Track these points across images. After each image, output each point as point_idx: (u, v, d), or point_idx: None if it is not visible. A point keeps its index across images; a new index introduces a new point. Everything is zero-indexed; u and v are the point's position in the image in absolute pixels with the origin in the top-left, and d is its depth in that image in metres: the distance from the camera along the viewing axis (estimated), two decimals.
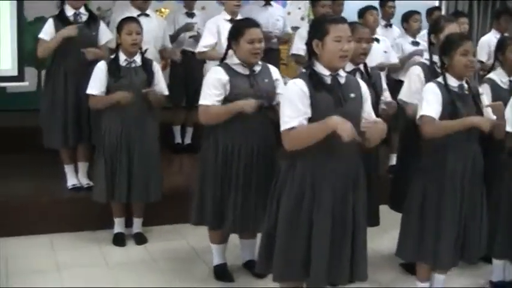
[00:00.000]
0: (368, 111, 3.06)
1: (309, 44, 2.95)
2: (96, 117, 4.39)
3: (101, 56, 4.49)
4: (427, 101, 3.34)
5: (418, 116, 3.36)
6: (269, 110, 3.56)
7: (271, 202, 3.05)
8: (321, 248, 2.90)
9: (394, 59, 5.83)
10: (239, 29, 3.54)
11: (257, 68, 3.57)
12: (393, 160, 5.67)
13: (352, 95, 2.95)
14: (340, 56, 2.85)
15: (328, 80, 2.90)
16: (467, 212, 3.41)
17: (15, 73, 5.15)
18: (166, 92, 4.39)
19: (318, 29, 2.91)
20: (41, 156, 5.01)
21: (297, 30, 6.33)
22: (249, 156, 3.53)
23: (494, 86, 3.94)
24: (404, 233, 3.58)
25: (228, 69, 3.51)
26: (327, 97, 2.86)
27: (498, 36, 6.40)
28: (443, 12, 7.72)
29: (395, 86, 4.84)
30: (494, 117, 3.48)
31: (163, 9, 6.72)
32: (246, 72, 3.53)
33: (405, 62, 5.83)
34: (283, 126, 2.86)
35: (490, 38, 6.40)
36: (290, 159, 2.95)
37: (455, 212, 3.37)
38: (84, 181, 4.86)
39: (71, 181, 4.85)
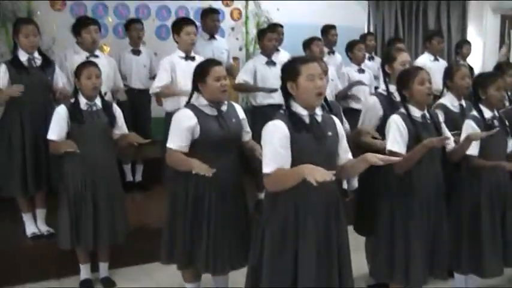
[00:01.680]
0: (344, 147, 3.17)
1: (283, 86, 3.04)
2: (56, 162, 4.31)
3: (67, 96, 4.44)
4: (393, 135, 3.49)
5: (387, 148, 3.51)
6: (241, 148, 3.64)
7: (255, 236, 3.12)
8: (308, 276, 2.97)
9: (339, 88, 6.05)
10: (204, 68, 3.59)
11: (224, 108, 3.62)
12: (355, 183, 5.82)
13: (330, 133, 3.06)
14: (316, 93, 2.96)
15: (307, 120, 2.99)
16: (434, 230, 3.58)
17: None
18: (127, 132, 4.37)
19: (290, 71, 3.01)
20: None
21: (237, 61, 6.52)
22: (219, 193, 3.55)
23: (446, 110, 4.16)
24: (376, 254, 3.71)
25: (196, 111, 3.53)
26: (307, 137, 2.95)
27: (432, 58, 6.80)
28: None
29: (348, 113, 5.01)
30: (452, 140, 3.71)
31: (104, 47, 6.67)
32: (214, 113, 3.56)
33: (348, 90, 6.06)
34: (264, 169, 2.93)
35: (425, 61, 6.75)
36: (271, 195, 3.03)
37: (423, 232, 3.53)
38: (44, 228, 4.75)
39: (30, 229, 4.73)
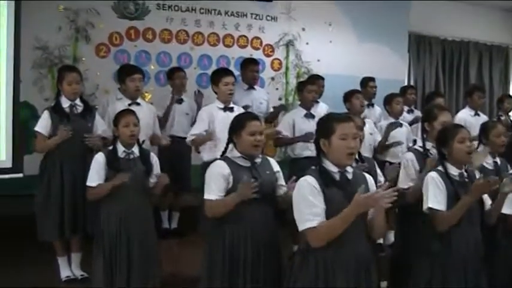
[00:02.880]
0: None
1: (316, 142, 3.06)
2: (93, 207, 4.35)
3: (99, 144, 4.53)
4: (433, 192, 3.47)
5: (425, 207, 3.48)
6: (276, 201, 3.63)
7: None
8: None
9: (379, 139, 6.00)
10: (240, 122, 3.60)
11: (258, 160, 3.62)
12: (390, 237, 5.76)
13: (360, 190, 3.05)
14: (348, 153, 2.96)
15: (337, 177, 2.99)
16: None
17: (9, 165, 5.13)
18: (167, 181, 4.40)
19: (324, 128, 3.02)
20: (27, 244, 4.93)
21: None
22: (255, 246, 3.51)
23: (481, 168, 4.10)
24: None
25: (230, 162, 3.53)
26: (338, 193, 2.93)
27: (472, 113, 6.73)
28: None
29: (383, 167, 4.98)
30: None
31: (145, 93, 6.79)
32: (247, 164, 3.56)
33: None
34: (305, 225, 2.90)
35: (466, 115, 6.70)
36: (302, 252, 3.01)
37: None
38: (78, 272, 4.79)
39: (65, 273, 4.77)
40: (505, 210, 3.69)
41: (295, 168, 5.42)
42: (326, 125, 3.02)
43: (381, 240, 5.75)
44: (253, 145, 3.54)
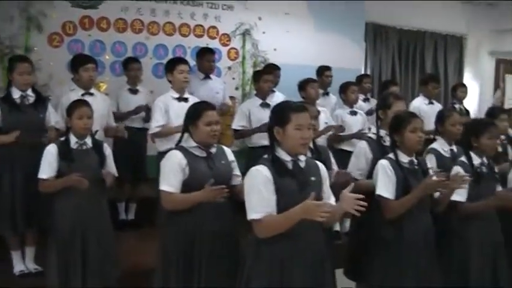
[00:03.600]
0: (327, 192, 3.16)
1: (270, 130, 3.05)
2: (47, 201, 4.27)
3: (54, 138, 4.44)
4: (382, 180, 3.53)
5: (376, 193, 3.53)
6: (230, 191, 3.62)
7: (240, 279, 3.08)
8: None
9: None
10: (196, 111, 3.58)
11: (213, 150, 3.61)
12: (336, 226, 5.81)
13: (313, 178, 3.05)
14: (301, 143, 2.96)
15: (290, 165, 2.99)
16: (425, 277, 3.56)
17: None
18: (116, 174, 4.35)
19: (279, 117, 3.01)
20: None
21: (234, 100, 6.56)
22: (210, 236, 3.50)
23: (438, 155, 4.18)
24: None
25: (186, 152, 3.52)
26: (290, 182, 2.94)
27: (427, 101, 6.84)
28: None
29: (339, 155, 5.03)
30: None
31: (101, 83, 6.70)
32: (203, 154, 3.55)
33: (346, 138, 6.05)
34: (251, 216, 2.91)
35: (420, 104, 6.80)
36: (257, 242, 2.99)
37: (414, 280, 3.52)
38: (32, 266, 4.70)
39: (18, 267, 4.68)
40: (455, 197, 3.76)
41: (252, 157, 5.43)
42: (281, 114, 3.01)
43: (337, 228, 5.82)
44: (210, 135, 3.53)
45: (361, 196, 2.84)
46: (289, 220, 2.84)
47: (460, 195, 3.76)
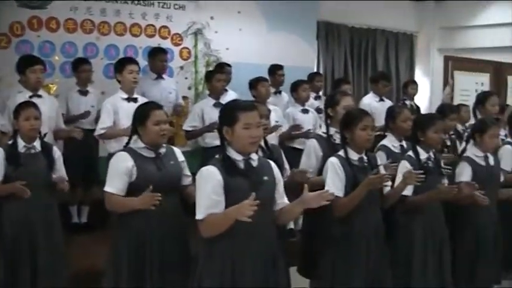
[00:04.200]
0: (281, 192, 3.16)
1: (219, 130, 3.04)
2: None
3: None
4: (331, 177, 3.56)
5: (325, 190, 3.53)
6: (181, 191, 3.61)
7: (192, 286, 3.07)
8: None
9: (285, 129, 6.05)
10: (144, 111, 3.56)
11: (162, 151, 3.59)
12: (291, 224, 5.85)
13: (266, 178, 3.05)
14: (251, 142, 2.95)
15: (241, 165, 2.98)
16: (375, 273, 3.62)
17: None
18: (66, 177, 4.28)
19: (227, 116, 3.00)
20: None
21: (187, 100, 6.53)
22: (161, 237, 3.49)
23: (388, 152, 4.25)
24: None
25: (134, 153, 3.49)
26: (242, 182, 2.93)
27: (377, 99, 6.93)
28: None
29: (291, 153, 5.06)
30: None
31: (50, 85, 6.59)
32: (152, 155, 3.53)
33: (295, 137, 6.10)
34: (197, 216, 2.91)
35: (371, 101, 6.89)
36: (208, 242, 2.98)
37: (364, 275, 3.57)
38: None
39: None
40: (404, 192, 3.81)
41: (206, 157, 5.40)
42: (229, 114, 3.00)
43: (292, 225, 5.85)
44: (159, 134, 3.51)
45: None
46: (227, 220, 2.82)
47: (406, 190, 3.82)
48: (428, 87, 10.63)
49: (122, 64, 5.18)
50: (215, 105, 5.71)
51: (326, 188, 3.52)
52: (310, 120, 6.25)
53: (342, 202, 3.54)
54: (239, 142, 2.96)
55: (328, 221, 3.63)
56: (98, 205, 5.86)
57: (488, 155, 4.38)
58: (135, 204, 3.35)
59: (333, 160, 3.61)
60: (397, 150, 4.31)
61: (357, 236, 3.58)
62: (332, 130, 4.02)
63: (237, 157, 2.99)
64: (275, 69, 7.04)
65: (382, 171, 3.78)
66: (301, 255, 4.24)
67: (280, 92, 7.02)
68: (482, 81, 9.00)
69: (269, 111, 4.30)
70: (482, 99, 5.53)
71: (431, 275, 3.91)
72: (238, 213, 2.71)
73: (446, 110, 5.26)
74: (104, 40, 7.13)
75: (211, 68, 7.15)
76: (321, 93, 7.36)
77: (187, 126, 5.87)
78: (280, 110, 6.18)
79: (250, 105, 3.06)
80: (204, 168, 2.97)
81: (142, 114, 3.55)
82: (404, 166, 3.89)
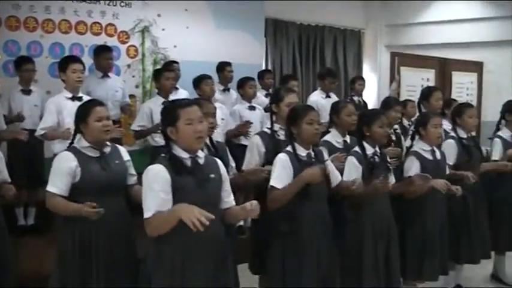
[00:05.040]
0: (227, 190, 3.17)
1: (163, 131, 3.03)
2: None
3: None
4: (277, 172, 3.56)
5: (269, 184, 3.56)
6: (126, 191, 3.57)
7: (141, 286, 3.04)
8: None
9: (231, 126, 6.07)
10: (85, 109, 3.52)
11: (107, 150, 3.55)
12: (240, 221, 5.85)
13: (212, 176, 3.05)
14: (195, 137, 2.95)
15: (188, 163, 2.98)
16: (324, 265, 3.65)
17: None
18: (9, 180, 4.18)
19: (169, 116, 3.00)
20: None
21: (135, 99, 6.47)
22: (106, 239, 3.44)
23: (331, 147, 4.28)
24: None
25: (78, 153, 3.44)
26: (189, 179, 2.93)
27: (324, 95, 7.00)
28: None
29: (237, 150, 5.08)
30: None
31: None
32: (96, 154, 3.48)
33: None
34: (145, 215, 2.89)
35: (318, 97, 6.96)
36: (158, 242, 2.97)
37: (314, 268, 3.60)
38: None
39: None
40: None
41: (156, 156, 5.34)
42: (170, 113, 3.00)
43: (241, 222, 5.86)
44: (102, 131, 3.46)
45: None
46: (172, 218, 2.80)
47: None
48: (376, 83, 10.81)
49: (66, 63, 5.08)
50: (164, 104, 5.64)
51: (271, 181, 3.54)
52: (257, 117, 6.27)
53: (275, 194, 3.53)
54: (184, 139, 2.96)
55: (277, 217, 3.65)
56: (45, 207, 5.81)
57: (435, 148, 4.47)
58: (75, 210, 3.29)
59: (281, 156, 3.62)
60: (340, 146, 4.34)
61: (305, 231, 3.60)
62: (276, 126, 4.03)
63: (184, 155, 2.98)
64: (223, 67, 7.04)
65: (330, 165, 3.82)
66: (251, 252, 4.24)
67: (228, 90, 7.03)
68: (427, 77, 9.18)
69: (215, 108, 4.30)
70: (426, 94, 5.64)
71: (381, 269, 3.97)
72: (186, 217, 2.67)
73: (391, 102, 5.35)
74: (48, 38, 6.99)
75: (159, 66, 7.11)
76: (271, 90, 7.38)
77: (135, 126, 5.83)
78: (227, 108, 6.18)
79: (189, 102, 3.08)
80: (150, 167, 2.95)
81: (83, 112, 3.51)
82: (351, 162, 3.95)
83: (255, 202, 2.97)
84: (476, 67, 10.02)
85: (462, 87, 9.81)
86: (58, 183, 3.39)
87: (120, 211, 3.53)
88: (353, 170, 3.93)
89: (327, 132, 4.54)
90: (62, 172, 3.39)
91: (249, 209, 2.96)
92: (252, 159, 4.05)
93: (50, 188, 3.41)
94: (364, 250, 3.93)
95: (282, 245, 3.65)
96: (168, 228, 2.83)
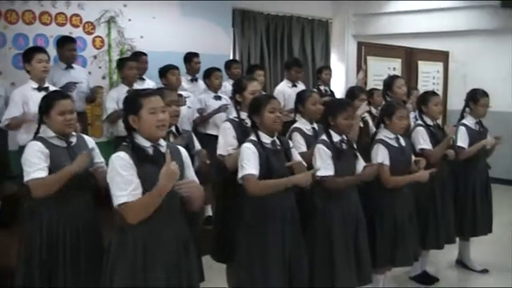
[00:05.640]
0: (191, 177, 3.17)
1: (125, 120, 3.02)
2: None
3: None
4: (246, 160, 3.55)
5: (239, 176, 3.57)
6: (91, 178, 3.55)
7: (104, 277, 3.03)
8: None
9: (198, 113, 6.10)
10: (48, 101, 3.49)
11: (73, 140, 3.54)
12: (209, 211, 5.89)
13: (174, 163, 3.05)
14: (157, 126, 2.96)
15: (150, 151, 2.98)
16: (291, 254, 3.67)
17: None
18: None
19: (131, 105, 3.00)
20: None
21: (102, 90, 6.44)
22: (74, 229, 3.43)
23: (302, 133, 4.33)
24: (236, 280, 3.82)
25: (45, 142, 3.42)
26: (152, 168, 2.92)
27: (290, 84, 7.03)
28: None
29: (204, 139, 5.07)
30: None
31: None
32: (63, 144, 3.47)
33: (211, 116, 6.12)
34: (117, 201, 2.87)
35: (284, 87, 6.99)
36: (121, 230, 2.97)
37: (281, 256, 3.62)
38: None
39: None
40: (323, 172, 3.93)
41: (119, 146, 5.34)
42: (132, 102, 3.00)
43: (210, 213, 5.87)
44: (65, 124, 3.45)
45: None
46: (157, 194, 2.82)
47: (328, 170, 3.94)
48: (343, 73, 10.87)
49: (30, 53, 5.03)
50: (129, 92, 5.63)
51: (242, 172, 3.55)
52: None
53: (261, 185, 3.54)
54: (146, 128, 2.97)
55: (241, 205, 3.67)
56: (11, 201, 5.75)
57: (399, 136, 4.52)
58: (71, 169, 3.29)
59: (246, 145, 3.62)
60: (309, 133, 4.39)
61: (270, 219, 3.61)
62: (243, 115, 4.04)
63: (146, 144, 2.99)
64: (191, 57, 7.04)
65: (295, 154, 3.84)
66: (215, 241, 4.25)
67: (196, 80, 7.02)
68: (394, 66, 9.24)
69: (180, 96, 4.30)
70: (389, 82, 5.70)
71: (352, 258, 4.02)
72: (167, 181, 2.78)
73: (356, 91, 5.40)
74: (11, 29, 6.86)
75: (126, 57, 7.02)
76: None
77: (109, 109, 5.85)
78: (195, 97, 6.18)
79: (152, 91, 3.11)
80: (115, 155, 2.95)
81: (46, 105, 3.49)
82: (321, 149, 3.99)
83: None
84: (442, 56, 10.14)
85: (428, 76, 9.91)
86: (40, 167, 3.33)
87: (86, 202, 3.54)
88: (324, 156, 3.97)
89: (294, 121, 4.56)
90: (40, 157, 3.35)
91: None
92: (226, 143, 4.03)
93: (32, 175, 3.32)
94: (334, 239, 3.97)
95: (247, 233, 3.66)
96: (153, 210, 2.84)
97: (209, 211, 5.93)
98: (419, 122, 5.07)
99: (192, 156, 3.42)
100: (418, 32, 10.14)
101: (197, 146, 4.07)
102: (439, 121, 5.31)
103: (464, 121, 5.35)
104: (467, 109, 5.42)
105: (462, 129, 5.27)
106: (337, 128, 4.09)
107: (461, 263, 5.68)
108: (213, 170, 4.23)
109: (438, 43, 10.06)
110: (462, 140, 5.20)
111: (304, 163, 3.85)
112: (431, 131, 4.96)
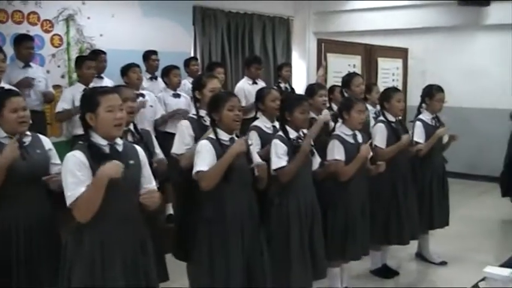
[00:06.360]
0: (148, 175, 3.17)
1: (82, 117, 3.01)
2: None
3: None
4: (201, 158, 3.56)
5: (194, 171, 3.56)
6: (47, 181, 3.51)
7: (61, 277, 3.02)
8: None
9: (161, 112, 6.09)
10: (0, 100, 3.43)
11: (27, 140, 3.47)
12: (170, 209, 5.88)
13: (132, 162, 3.05)
14: (115, 124, 2.96)
15: (107, 150, 2.97)
16: (250, 252, 3.68)
17: None
18: None
19: (89, 102, 2.98)
20: None
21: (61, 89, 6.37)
22: (27, 229, 3.38)
23: (260, 132, 4.35)
24: (196, 280, 3.81)
25: None
26: None
27: (250, 82, 7.06)
28: (199, 61, 8.19)
29: (164, 138, 5.07)
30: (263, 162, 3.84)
31: None
32: (16, 144, 3.37)
33: (171, 117, 6.11)
34: (69, 201, 2.86)
35: (245, 84, 7.02)
36: (78, 229, 2.94)
37: (240, 255, 3.63)
38: None
39: None
40: (278, 164, 3.97)
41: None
42: (90, 99, 2.98)
43: (171, 211, 5.86)
44: (18, 122, 3.38)
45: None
46: (97, 186, 2.81)
47: (281, 161, 3.97)
48: (305, 70, 10.94)
49: None
50: (84, 91, 5.59)
51: (196, 168, 3.55)
52: (182, 104, 6.31)
53: (208, 173, 3.53)
54: (103, 126, 2.95)
55: (199, 202, 3.67)
56: None
57: (357, 132, 4.56)
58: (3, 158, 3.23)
59: (203, 142, 3.63)
60: (269, 131, 4.39)
61: (230, 216, 3.61)
62: (202, 112, 4.05)
63: (102, 142, 2.97)
64: (149, 55, 7.05)
65: (254, 150, 3.86)
66: (175, 239, 4.24)
67: (156, 78, 7.00)
68: (354, 63, 9.31)
69: (142, 95, 4.29)
70: (347, 80, 5.74)
71: (307, 252, 4.05)
72: (106, 173, 2.78)
73: (315, 88, 5.42)
74: None
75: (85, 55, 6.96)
76: None
77: (58, 108, 5.80)
78: (154, 95, 6.18)
79: (110, 89, 3.10)
80: (69, 154, 2.93)
81: None
82: (277, 143, 4.02)
83: None
84: (402, 53, 10.26)
85: (388, 73, 10.01)
86: None
87: (41, 202, 3.48)
88: (279, 150, 4.00)
89: (255, 118, 4.58)
90: None
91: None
92: (182, 143, 4.03)
93: None
94: (291, 233, 4.00)
95: (207, 230, 3.65)
96: (99, 201, 2.82)
97: (170, 209, 5.92)
98: (381, 118, 5.13)
99: (151, 164, 3.40)
100: (378, 29, 10.26)
101: (156, 147, 4.04)
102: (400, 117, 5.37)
103: (421, 116, 5.43)
104: (423, 105, 5.50)
105: (419, 124, 5.35)
106: (294, 123, 4.12)
107: (421, 256, 5.77)
108: (173, 169, 4.22)
109: (397, 40, 10.19)
110: (419, 135, 5.28)
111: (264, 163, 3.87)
112: (393, 127, 5.01)
